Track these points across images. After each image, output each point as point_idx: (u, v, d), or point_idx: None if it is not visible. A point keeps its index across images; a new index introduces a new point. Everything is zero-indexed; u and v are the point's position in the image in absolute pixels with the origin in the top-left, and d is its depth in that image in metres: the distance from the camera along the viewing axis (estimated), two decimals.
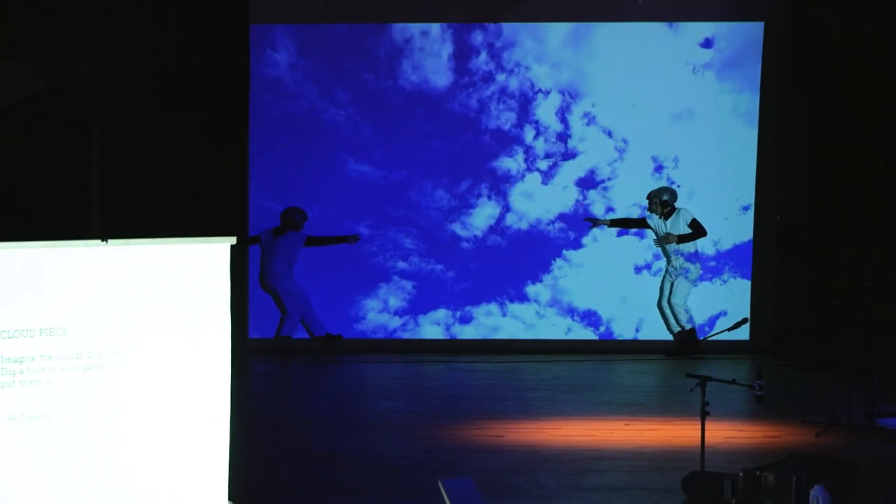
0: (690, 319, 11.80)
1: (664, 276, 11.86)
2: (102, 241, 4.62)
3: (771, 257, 11.74)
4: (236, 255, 4.91)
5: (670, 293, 11.81)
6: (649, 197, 11.78)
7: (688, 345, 11.67)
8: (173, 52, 10.46)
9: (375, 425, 8.44)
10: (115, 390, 4.63)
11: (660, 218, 11.73)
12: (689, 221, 11.70)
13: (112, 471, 4.62)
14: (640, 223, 11.85)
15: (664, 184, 11.92)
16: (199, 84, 10.55)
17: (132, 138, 10.46)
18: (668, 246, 11.76)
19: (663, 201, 11.71)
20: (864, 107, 11.07)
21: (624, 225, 11.94)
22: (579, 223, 12.02)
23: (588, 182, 12.03)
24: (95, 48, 10.45)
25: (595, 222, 11.88)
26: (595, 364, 11.43)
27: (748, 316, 11.06)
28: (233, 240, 4.91)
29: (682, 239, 11.70)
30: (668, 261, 11.83)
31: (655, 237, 11.86)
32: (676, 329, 11.81)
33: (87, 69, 10.45)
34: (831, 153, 11.27)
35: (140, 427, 4.69)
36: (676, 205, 11.74)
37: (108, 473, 4.61)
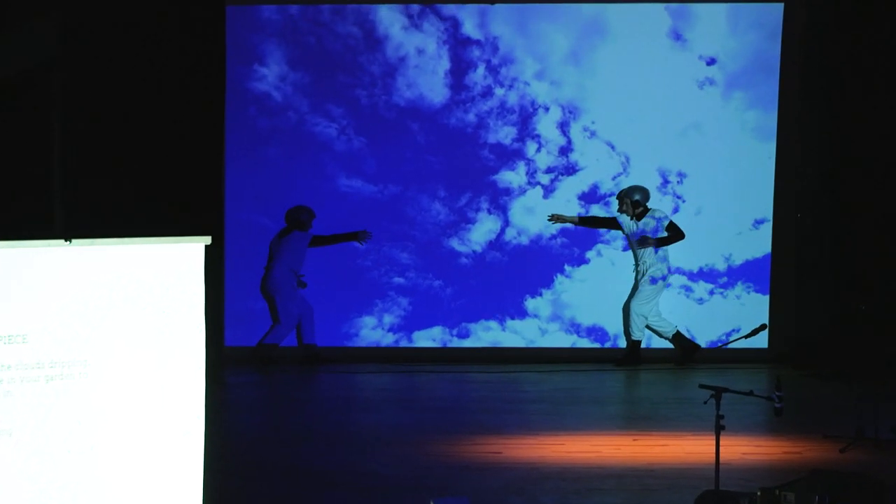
0: (642, 331, 11.86)
1: (634, 287, 11.91)
2: (66, 240, 4.60)
3: (790, 265, 11.80)
4: (211, 255, 4.89)
5: (631, 297, 11.84)
6: (619, 196, 11.93)
7: (631, 356, 11.78)
8: (141, 36, 10.44)
9: (363, 440, 8.44)
10: (79, 403, 4.61)
11: (631, 219, 11.80)
12: (665, 225, 11.76)
13: (77, 490, 4.61)
14: (610, 223, 11.92)
15: (670, 198, 12.03)
16: (169, 70, 10.52)
17: (97, 130, 10.43)
18: (642, 249, 11.77)
19: (634, 201, 11.81)
20: (886, 106, 11.15)
21: (592, 224, 12.01)
22: (582, 238, 12.13)
23: (591, 196, 12.13)
24: (55, 34, 10.42)
25: (560, 219, 11.93)
26: (600, 374, 11.44)
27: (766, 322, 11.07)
28: (207, 239, 4.90)
29: (661, 242, 11.75)
30: (636, 262, 11.87)
31: (627, 239, 11.92)
32: (633, 337, 11.84)
33: (47, 56, 10.43)
34: (852, 156, 11.35)
35: (107, 443, 4.67)
36: (650, 205, 11.83)
37: (72, 493, 4.59)
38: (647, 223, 11.77)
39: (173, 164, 10.46)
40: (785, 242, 11.94)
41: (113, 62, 10.42)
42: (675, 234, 11.81)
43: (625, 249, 12.10)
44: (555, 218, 11.93)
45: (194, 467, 4.86)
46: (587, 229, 12.10)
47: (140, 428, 4.74)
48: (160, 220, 9.86)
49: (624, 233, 11.94)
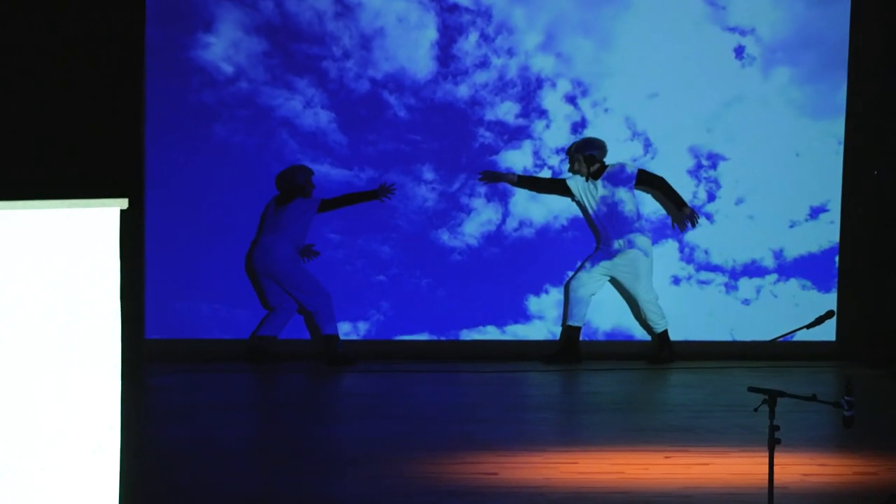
0: (663, 317, 12.03)
1: (590, 259, 12.06)
2: None
3: (865, 252, 11.96)
4: (128, 223, 4.87)
5: (625, 287, 12.02)
6: (569, 152, 12.11)
7: (662, 353, 11.95)
8: None
9: (322, 458, 8.46)
10: None
11: (587, 180, 11.88)
12: (636, 178, 11.91)
13: None
14: (557, 186, 12.04)
15: (703, 185, 12.14)
16: (78, 19, 10.56)
17: None
18: (608, 219, 11.92)
19: (588, 156, 11.88)
20: None
21: (535, 186, 12.13)
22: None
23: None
24: None
25: (494, 178, 12.01)
26: (623, 374, 11.48)
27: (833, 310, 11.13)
28: (124, 202, 4.88)
29: (680, 201, 11.96)
30: (605, 240, 11.98)
31: (581, 207, 12.04)
32: (656, 328, 12.00)
33: None
34: None
35: None
36: (608, 160, 11.98)
37: None
38: (612, 179, 11.84)
39: (78, 106, 10.46)
40: (855, 229, 12.04)
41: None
42: (662, 183, 11.94)
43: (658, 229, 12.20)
44: (487, 176, 12.02)
45: (108, 492, 4.86)
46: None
47: (39, 443, 4.73)
48: (63, 173, 9.88)
49: (574, 199, 12.04)
